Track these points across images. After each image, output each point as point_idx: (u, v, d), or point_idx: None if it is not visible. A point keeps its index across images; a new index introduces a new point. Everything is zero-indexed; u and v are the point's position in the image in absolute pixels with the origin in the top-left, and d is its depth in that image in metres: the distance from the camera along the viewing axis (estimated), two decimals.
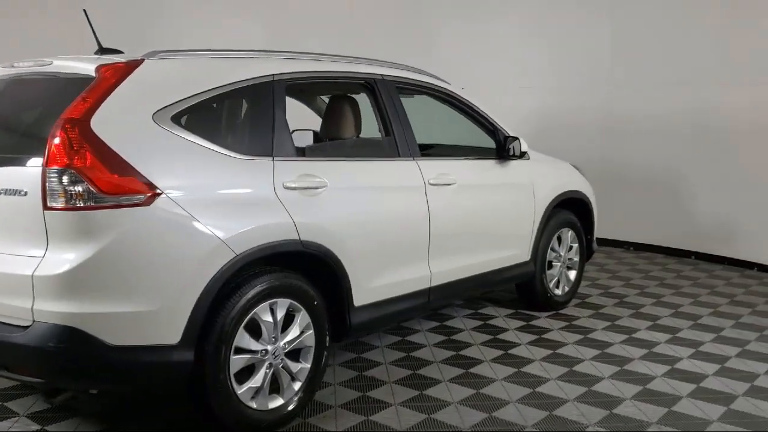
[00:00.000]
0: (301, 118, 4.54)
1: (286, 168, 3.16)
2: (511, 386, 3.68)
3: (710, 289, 5.82)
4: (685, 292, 5.71)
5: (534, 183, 4.70)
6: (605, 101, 7.45)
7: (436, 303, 4.07)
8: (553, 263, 5.03)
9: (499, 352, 4.19)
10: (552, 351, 4.23)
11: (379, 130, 3.86)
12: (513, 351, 4.22)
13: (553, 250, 4.99)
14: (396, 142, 3.79)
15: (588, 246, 5.39)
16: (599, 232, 7.50)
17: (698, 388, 3.68)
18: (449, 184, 4.00)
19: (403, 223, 3.70)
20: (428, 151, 5.05)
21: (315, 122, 5.43)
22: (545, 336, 4.52)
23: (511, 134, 4.58)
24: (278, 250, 3.06)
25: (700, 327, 4.75)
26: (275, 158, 3.14)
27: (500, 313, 5.02)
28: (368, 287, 3.51)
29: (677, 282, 6.05)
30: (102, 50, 3.28)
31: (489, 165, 4.45)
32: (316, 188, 3.25)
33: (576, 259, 5.23)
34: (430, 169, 3.91)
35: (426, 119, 5.27)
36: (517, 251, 4.62)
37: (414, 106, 4.88)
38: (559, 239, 5.06)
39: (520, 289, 5.05)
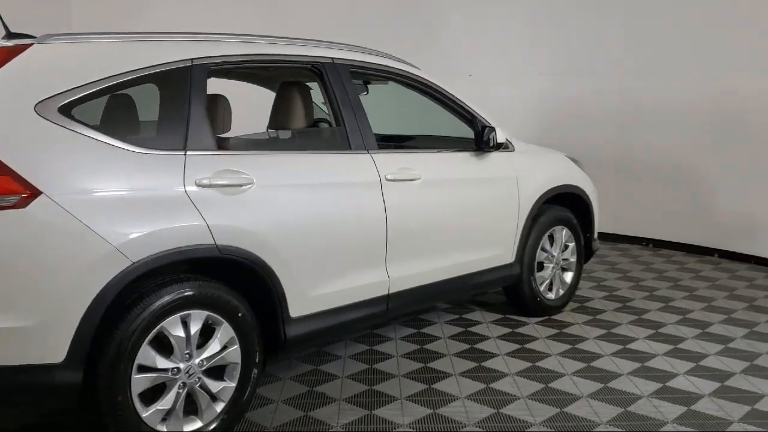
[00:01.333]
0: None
1: (200, 163, 2.82)
2: (473, 405, 3.28)
3: (729, 292, 5.28)
4: (700, 295, 5.18)
5: (519, 176, 4.26)
6: (621, 89, 6.90)
7: (397, 311, 3.68)
8: (545, 264, 4.59)
9: (472, 365, 3.79)
10: (531, 364, 3.81)
11: (332, 121, 3.49)
12: (488, 363, 3.81)
13: (544, 250, 4.54)
14: (347, 133, 3.41)
15: (587, 245, 4.92)
16: (614, 227, 7.07)
17: (688, 412, 3.22)
18: (412, 180, 3.60)
19: (352, 224, 3.32)
20: (404, 143, 4.68)
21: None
22: (528, 345, 4.09)
23: (491, 123, 4.15)
24: (188, 256, 2.72)
25: (706, 337, 4.25)
26: (188, 152, 2.80)
27: (486, 318, 4.61)
28: (309, 296, 3.16)
29: (693, 283, 5.52)
30: (9, 35, 2.98)
31: (464, 158, 4.02)
32: (240, 186, 2.89)
33: (572, 259, 4.77)
34: (388, 163, 3.52)
35: (406, 109, 4.89)
36: (498, 252, 4.20)
37: (394, 95, 4.52)
38: (552, 238, 4.61)
39: (507, 293, 4.62)
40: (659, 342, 4.14)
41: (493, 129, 3.97)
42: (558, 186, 4.57)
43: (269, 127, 3.61)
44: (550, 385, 3.53)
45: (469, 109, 4.07)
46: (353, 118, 3.45)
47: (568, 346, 4.07)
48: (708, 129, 6.33)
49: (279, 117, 3.52)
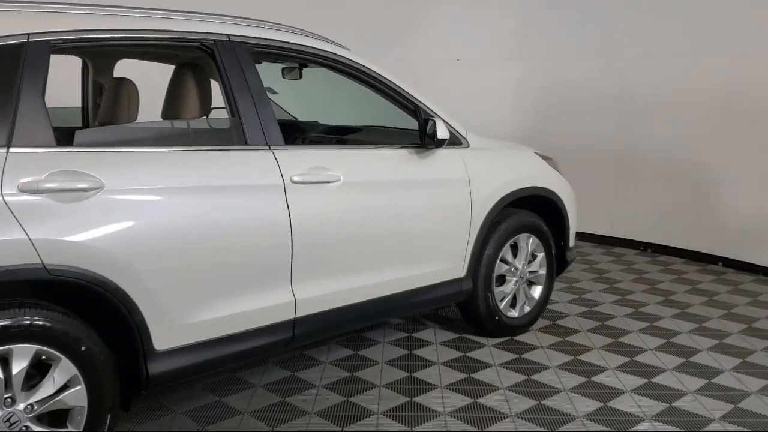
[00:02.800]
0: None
1: (27, 163, 2.28)
2: None
3: (727, 310, 4.63)
4: (692, 313, 4.54)
5: (472, 177, 3.66)
6: (621, 76, 6.22)
7: (308, 338, 3.13)
8: (507, 278, 3.99)
9: (401, 401, 3.22)
10: (472, 400, 3.23)
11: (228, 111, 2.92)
12: (421, 398, 3.24)
13: (504, 261, 3.94)
14: (242, 125, 2.84)
15: (560, 255, 4.30)
16: (610, 229, 6.40)
17: None
18: (328, 182, 3.03)
19: (243, 237, 2.76)
20: (346, 136, 4.10)
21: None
22: (476, 375, 3.51)
23: (442, 115, 3.56)
24: (5, 278, 2.19)
25: (689, 368, 3.63)
26: (11, 149, 2.26)
27: (439, 338, 4.03)
28: (181, 324, 2.61)
29: (688, 298, 4.87)
30: None
31: (401, 156, 3.43)
32: (82, 190, 2.35)
33: (541, 272, 4.16)
34: (296, 161, 2.95)
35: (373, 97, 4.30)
36: (444, 266, 3.61)
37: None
38: (516, 248, 4.01)
39: (462, 311, 4.04)
40: (631, 374, 3.53)
41: (432, 121, 3.37)
42: (523, 188, 3.97)
43: (162, 117, 3.06)
44: (488, 429, 2.95)
45: (411, 98, 3.47)
46: (252, 108, 2.88)
47: (523, 377, 3.48)
48: (718, 121, 5.63)
49: (169, 106, 2.96)
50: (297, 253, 2.90)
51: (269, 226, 2.82)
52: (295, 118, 4.73)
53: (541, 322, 4.29)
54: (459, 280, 3.70)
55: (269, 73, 3.71)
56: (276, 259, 2.86)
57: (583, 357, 3.76)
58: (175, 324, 2.59)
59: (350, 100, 4.64)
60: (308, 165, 2.98)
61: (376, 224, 3.24)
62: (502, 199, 3.83)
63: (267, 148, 2.89)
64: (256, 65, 2.98)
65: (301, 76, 3.86)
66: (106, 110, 3.45)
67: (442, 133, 3.37)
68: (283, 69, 4.00)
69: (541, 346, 3.92)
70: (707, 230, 5.81)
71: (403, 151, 3.44)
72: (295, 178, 2.90)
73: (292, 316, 2.95)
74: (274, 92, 4.51)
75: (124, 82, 3.40)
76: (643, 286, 5.18)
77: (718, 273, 5.58)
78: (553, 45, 6.56)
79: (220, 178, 2.71)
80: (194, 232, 2.61)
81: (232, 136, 2.89)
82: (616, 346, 3.93)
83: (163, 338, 2.56)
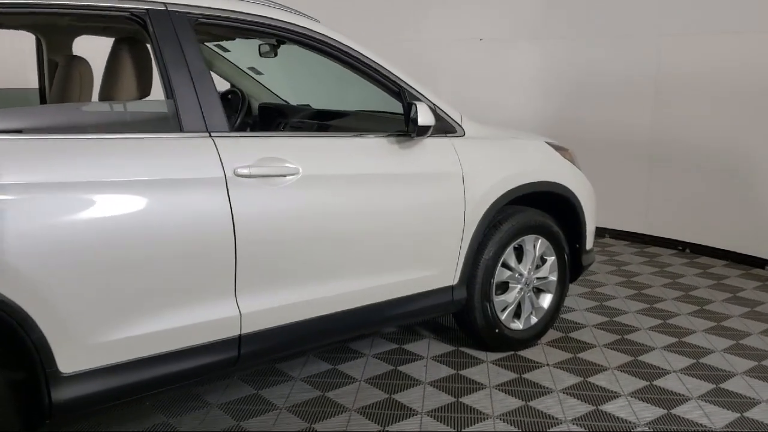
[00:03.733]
0: None
1: None
2: None
3: None
4: (729, 327, 3.97)
5: (467, 171, 3.18)
6: (658, 55, 5.60)
7: (259, 357, 2.70)
8: (510, 285, 3.50)
9: (373, 429, 2.78)
10: (455, 431, 2.77)
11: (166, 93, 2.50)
12: (396, 426, 2.80)
13: (507, 267, 3.45)
14: (177, 109, 2.42)
15: (574, 259, 3.79)
16: (644, 227, 5.78)
17: None
18: (284, 175, 2.59)
19: (171, 240, 2.34)
20: (330, 122, 3.66)
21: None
22: (465, 399, 3.05)
23: (430, 97, 3.09)
24: None
25: (719, 396, 3.09)
26: None
27: (432, 351, 3.57)
28: (93, 344, 2.22)
29: (726, 308, 4.29)
30: None
31: (380, 145, 2.96)
32: None
33: (552, 278, 3.66)
34: (243, 151, 2.52)
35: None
36: (431, 272, 3.15)
37: None
38: (521, 251, 3.52)
39: (458, 322, 3.57)
40: (649, 402, 3.02)
41: (413, 104, 2.89)
42: (530, 183, 3.47)
43: (99, 98, 2.66)
44: None
45: (394, 78, 3.01)
46: (190, 89, 2.46)
47: (519, 404, 3.00)
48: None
49: (105, 86, 2.58)
50: (241, 260, 2.48)
51: (205, 228, 2.40)
52: (285, 101, 4.30)
53: (552, 334, 3.79)
54: (450, 289, 3.23)
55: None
56: (214, 267, 2.44)
57: (594, 379, 3.26)
58: (85, 343, 2.20)
59: (362, 83, 4.21)
60: (259, 155, 2.55)
61: (343, 226, 2.78)
62: (504, 195, 3.34)
63: (207, 135, 2.46)
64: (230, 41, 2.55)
65: (275, 54, 3.41)
66: (56, 91, 3.08)
67: (424, 118, 2.89)
68: (259, 46, 3.57)
69: (547, 365, 3.42)
70: (753, 230, 5.19)
71: (383, 140, 2.98)
72: (241, 171, 2.47)
73: (237, 333, 2.53)
74: (258, 72, 4.10)
75: (77, 61, 3.02)
76: (675, 292, 4.61)
77: (764, 278, 4.96)
78: (583, 22, 5.97)
79: (143, 172, 2.30)
80: (110, 235, 2.20)
81: (168, 122, 2.47)
82: (634, 366, 3.41)
83: (70, 360, 2.17)
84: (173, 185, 2.34)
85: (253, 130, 4.01)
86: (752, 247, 5.23)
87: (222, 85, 4.20)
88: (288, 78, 4.92)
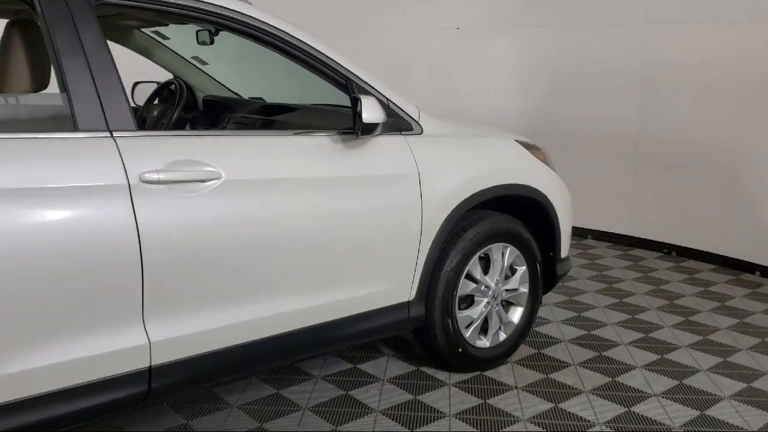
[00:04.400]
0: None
1: None
2: None
3: (761, 338, 3.73)
4: (717, 342, 3.65)
5: (424, 172, 2.83)
6: (644, 46, 5.26)
7: (174, 391, 2.35)
8: (476, 299, 3.16)
9: None
10: None
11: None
12: None
13: (472, 279, 3.11)
14: (71, 104, 2.06)
15: (548, 269, 3.45)
16: (629, 228, 5.42)
17: None
18: (202, 181, 2.24)
19: (63, 258, 1.98)
20: (280, 117, 3.31)
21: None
22: (421, 430, 2.70)
23: (383, 91, 2.74)
24: None
25: (705, 425, 2.76)
26: None
27: (389, 371, 3.23)
28: None
29: (713, 320, 3.97)
30: None
31: (322, 144, 2.61)
32: None
33: (522, 289, 3.32)
34: (152, 154, 2.16)
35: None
36: (384, 287, 2.80)
37: None
38: (487, 260, 3.18)
39: (418, 340, 3.23)
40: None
41: (359, 99, 2.53)
42: (497, 186, 3.13)
43: None
44: None
45: (340, 68, 2.65)
46: (88, 80, 2.09)
47: None
48: (763, 102, 4.66)
49: None
50: (149, 281, 2.12)
51: (104, 245, 2.04)
52: (236, 94, 3.94)
53: (524, 351, 3.46)
54: (406, 305, 2.89)
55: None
56: (116, 290, 2.08)
57: (566, 405, 2.92)
58: None
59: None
60: (171, 158, 2.19)
61: (274, 239, 2.42)
62: (468, 199, 2.99)
63: (107, 135, 2.10)
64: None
65: (212, 42, 3.05)
66: None
67: (371, 115, 2.53)
68: (197, 33, 3.20)
69: (516, 387, 3.09)
70: (743, 233, 4.87)
71: (326, 139, 2.62)
72: (149, 177, 2.12)
73: (147, 364, 2.18)
74: (203, 62, 3.75)
75: None
76: (659, 300, 4.29)
77: (754, 285, 4.65)
78: (565, 11, 5.62)
79: (28, 178, 1.94)
80: None
81: (62, 119, 2.11)
82: (612, 388, 3.08)
83: None
84: (65, 194, 1.98)
85: (194, 126, 3.65)
86: (742, 251, 4.91)
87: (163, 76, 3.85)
88: (244, 69, 4.57)
